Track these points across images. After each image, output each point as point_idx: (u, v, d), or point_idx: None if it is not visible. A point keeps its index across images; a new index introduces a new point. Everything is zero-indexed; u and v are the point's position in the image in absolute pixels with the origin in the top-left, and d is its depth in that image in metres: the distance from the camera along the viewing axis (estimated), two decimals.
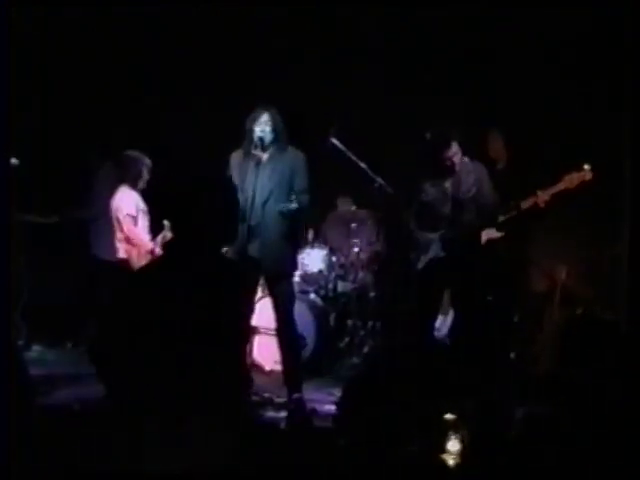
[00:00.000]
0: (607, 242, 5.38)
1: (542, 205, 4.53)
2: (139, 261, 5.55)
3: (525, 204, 4.60)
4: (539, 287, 6.18)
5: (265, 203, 4.57)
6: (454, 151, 4.64)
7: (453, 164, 4.66)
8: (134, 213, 5.53)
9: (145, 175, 5.63)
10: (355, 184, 5.99)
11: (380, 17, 6.31)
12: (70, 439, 3.30)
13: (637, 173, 4.14)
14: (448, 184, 4.70)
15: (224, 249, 4.79)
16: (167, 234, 5.65)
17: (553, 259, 5.95)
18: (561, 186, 4.53)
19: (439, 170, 4.71)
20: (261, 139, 4.61)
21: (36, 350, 6.01)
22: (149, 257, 5.60)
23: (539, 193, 4.54)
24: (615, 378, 2.85)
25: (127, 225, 5.52)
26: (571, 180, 4.50)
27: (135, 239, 5.53)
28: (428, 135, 4.82)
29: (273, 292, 4.72)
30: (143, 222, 5.62)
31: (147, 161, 5.63)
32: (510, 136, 5.71)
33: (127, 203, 5.55)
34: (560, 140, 5.81)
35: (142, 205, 5.62)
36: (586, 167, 4.49)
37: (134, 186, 5.61)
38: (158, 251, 5.67)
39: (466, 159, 4.73)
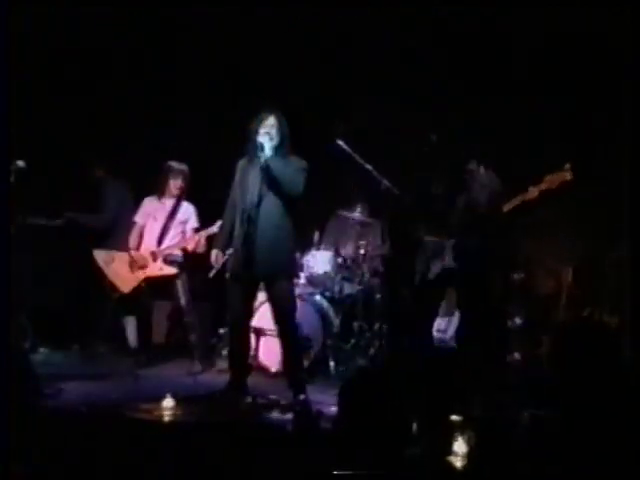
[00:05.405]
0: (611, 244, 5.36)
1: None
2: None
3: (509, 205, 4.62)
4: (545, 289, 6.17)
5: (259, 205, 4.53)
6: (472, 167, 4.67)
7: (469, 178, 4.68)
8: (137, 220, 5.80)
9: (175, 184, 5.74)
10: (361, 186, 5.98)
11: (382, 18, 6.30)
12: (76, 441, 3.32)
13: (637, 173, 4.13)
14: (462, 196, 4.70)
15: (227, 252, 4.83)
16: (209, 230, 5.62)
17: (559, 261, 5.95)
18: (542, 187, 4.53)
19: (454, 182, 4.72)
20: (266, 142, 4.56)
21: (42, 352, 6.02)
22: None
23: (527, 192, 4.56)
24: (619, 380, 2.85)
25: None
26: (552, 180, 4.50)
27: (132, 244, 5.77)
28: (434, 137, 4.81)
29: (271, 294, 4.70)
30: (152, 228, 5.76)
31: (176, 168, 5.77)
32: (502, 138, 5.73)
33: (138, 211, 5.83)
34: (559, 140, 5.81)
35: (155, 212, 5.75)
36: (566, 167, 4.48)
37: (161, 195, 5.79)
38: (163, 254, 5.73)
39: (482, 170, 4.72)
